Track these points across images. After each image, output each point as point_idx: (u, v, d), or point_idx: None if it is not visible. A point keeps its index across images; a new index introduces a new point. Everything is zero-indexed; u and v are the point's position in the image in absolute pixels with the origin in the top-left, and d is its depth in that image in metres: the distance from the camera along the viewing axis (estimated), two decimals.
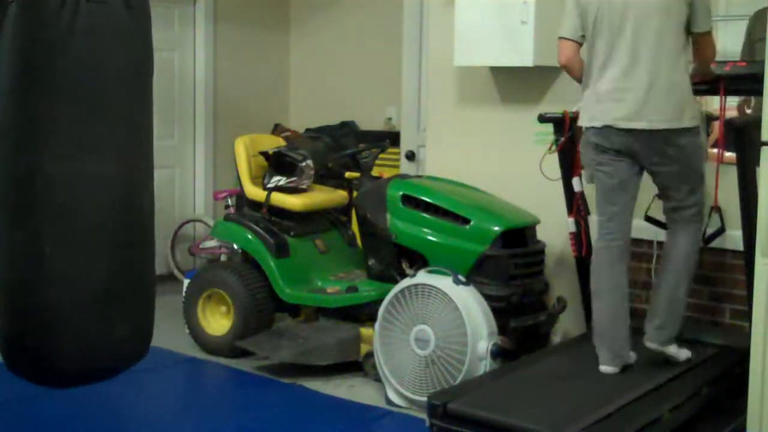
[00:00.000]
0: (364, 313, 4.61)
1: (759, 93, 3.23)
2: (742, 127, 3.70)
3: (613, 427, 3.20)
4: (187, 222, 6.63)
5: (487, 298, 4.13)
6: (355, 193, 4.95)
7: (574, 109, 3.97)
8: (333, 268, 4.99)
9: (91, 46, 2.51)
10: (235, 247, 5.33)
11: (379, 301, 4.27)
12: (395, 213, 4.54)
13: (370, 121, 6.62)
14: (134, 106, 2.66)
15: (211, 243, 6.19)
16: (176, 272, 6.44)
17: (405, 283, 4.16)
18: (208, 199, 6.69)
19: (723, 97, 3.75)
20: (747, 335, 3.25)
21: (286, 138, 6.15)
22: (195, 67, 6.68)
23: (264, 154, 5.13)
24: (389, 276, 4.61)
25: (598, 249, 3.76)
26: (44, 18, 2.45)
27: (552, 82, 4.73)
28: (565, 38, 3.78)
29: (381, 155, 5.12)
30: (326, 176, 5.79)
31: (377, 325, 4.20)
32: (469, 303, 4.02)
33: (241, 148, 5.16)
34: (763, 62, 3.19)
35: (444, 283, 4.07)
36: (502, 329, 4.13)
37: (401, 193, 4.54)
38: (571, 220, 4.29)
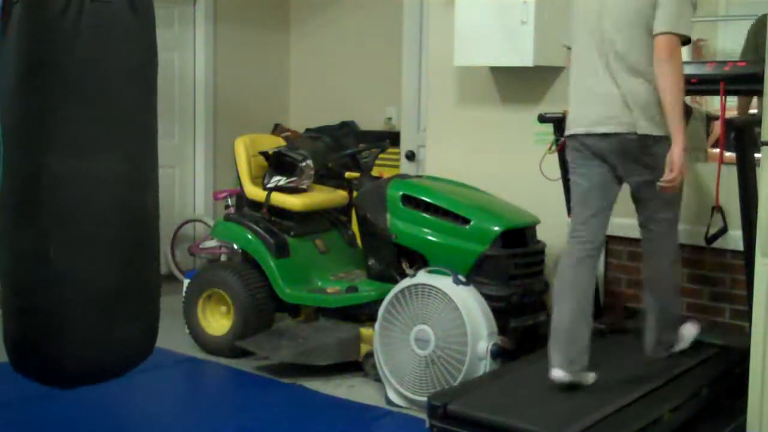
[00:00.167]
0: (364, 313, 4.61)
1: (759, 93, 3.23)
2: (742, 127, 3.69)
3: (613, 428, 3.20)
4: (187, 222, 6.63)
5: (487, 298, 4.13)
6: (355, 193, 4.95)
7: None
8: (333, 268, 4.99)
9: (96, 46, 2.51)
10: (235, 247, 5.33)
11: (379, 301, 4.27)
12: (395, 213, 4.54)
13: (370, 121, 6.62)
14: (139, 105, 2.67)
15: (211, 243, 6.20)
16: (176, 272, 6.44)
17: (405, 283, 4.16)
18: (208, 199, 6.70)
19: (723, 97, 3.74)
20: (747, 335, 3.25)
21: (286, 138, 6.15)
22: (195, 67, 6.68)
23: (264, 154, 5.12)
24: (389, 276, 4.61)
25: (568, 251, 3.67)
26: (49, 18, 2.45)
27: (552, 82, 4.73)
28: (564, 45, 3.80)
29: (381, 155, 5.12)
30: (326, 176, 5.80)
31: (377, 325, 4.20)
32: (469, 303, 4.02)
33: (241, 148, 5.16)
34: (763, 62, 3.19)
35: (444, 283, 4.07)
36: (502, 329, 4.13)
37: (401, 193, 4.54)
38: (570, 220, 4.29)
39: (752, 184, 3.58)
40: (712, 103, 4.38)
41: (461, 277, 4.12)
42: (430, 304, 4.04)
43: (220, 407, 4.25)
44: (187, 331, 5.05)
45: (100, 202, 2.56)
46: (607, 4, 3.50)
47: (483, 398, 3.41)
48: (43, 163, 2.49)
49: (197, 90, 6.71)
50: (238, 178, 5.19)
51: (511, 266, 4.28)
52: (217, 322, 4.97)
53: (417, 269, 4.30)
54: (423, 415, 3.63)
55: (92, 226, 2.55)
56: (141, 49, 2.66)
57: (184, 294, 5.09)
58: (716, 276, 4.31)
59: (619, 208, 3.79)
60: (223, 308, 4.95)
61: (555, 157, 4.19)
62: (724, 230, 3.97)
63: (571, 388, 3.49)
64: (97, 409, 3.98)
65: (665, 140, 3.43)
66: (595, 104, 3.53)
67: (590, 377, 3.54)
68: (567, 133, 3.67)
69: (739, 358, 3.62)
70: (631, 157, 3.52)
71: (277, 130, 6.86)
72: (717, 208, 3.90)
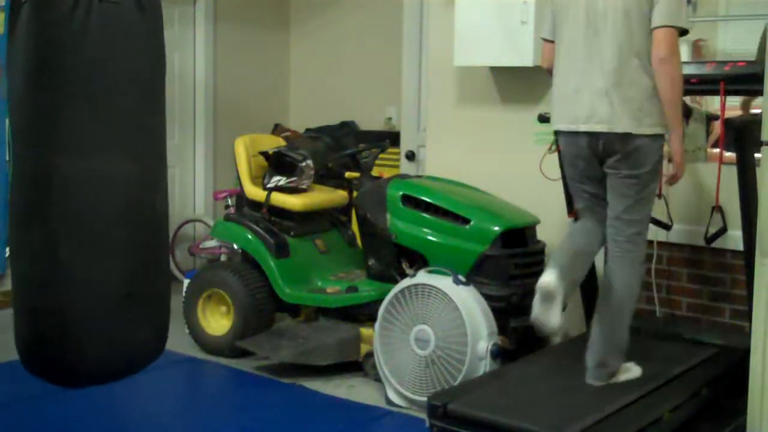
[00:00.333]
0: (364, 313, 4.61)
1: (759, 93, 3.23)
2: (742, 127, 3.69)
3: (613, 428, 3.20)
4: (187, 222, 6.63)
5: (487, 298, 4.13)
6: (355, 193, 4.95)
7: None
8: (333, 268, 4.99)
9: (104, 46, 2.52)
10: (235, 247, 5.33)
11: (379, 301, 4.27)
12: (395, 213, 4.54)
13: (370, 121, 6.62)
14: (147, 106, 2.67)
15: (211, 243, 6.20)
16: (176, 272, 6.43)
17: (405, 283, 4.16)
18: (208, 199, 6.70)
19: (723, 97, 3.74)
20: (747, 335, 3.25)
21: (286, 138, 6.15)
22: (195, 67, 6.69)
23: (264, 154, 5.13)
24: (389, 276, 4.61)
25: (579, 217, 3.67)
26: (57, 18, 2.45)
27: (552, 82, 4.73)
28: (543, 38, 3.75)
29: (381, 155, 5.12)
30: (326, 176, 5.80)
31: (377, 325, 4.20)
32: (469, 303, 4.02)
33: (241, 148, 5.16)
34: (763, 62, 3.19)
35: (444, 283, 4.07)
36: (502, 329, 4.13)
37: (401, 193, 4.54)
38: (571, 220, 4.29)
39: (752, 184, 3.58)
40: (712, 103, 4.38)
41: (461, 277, 4.12)
42: (430, 304, 4.04)
43: (220, 407, 4.25)
44: (187, 331, 5.05)
45: (110, 203, 2.56)
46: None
47: (483, 398, 3.41)
48: (52, 163, 2.49)
49: (197, 90, 6.71)
50: (238, 178, 5.19)
51: (511, 266, 4.28)
52: (217, 322, 4.97)
53: (417, 269, 4.30)
54: (423, 415, 3.63)
55: (102, 227, 2.55)
56: (149, 49, 2.66)
57: (184, 294, 5.09)
58: (716, 276, 4.31)
59: None
60: (223, 308, 4.95)
61: (555, 157, 4.18)
62: (723, 230, 3.97)
63: (571, 387, 3.48)
64: (98, 409, 3.98)
65: (648, 138, 3.39)
66: (580, 101, 3.48)
67: (635, 370, 3.59)
68: (554, 128, 3.65)
69: (739, 358, 3.62)
70: (611, 154, 3.46)
71: (277, 130, 6.86)
72: (717, 208, 3.90)
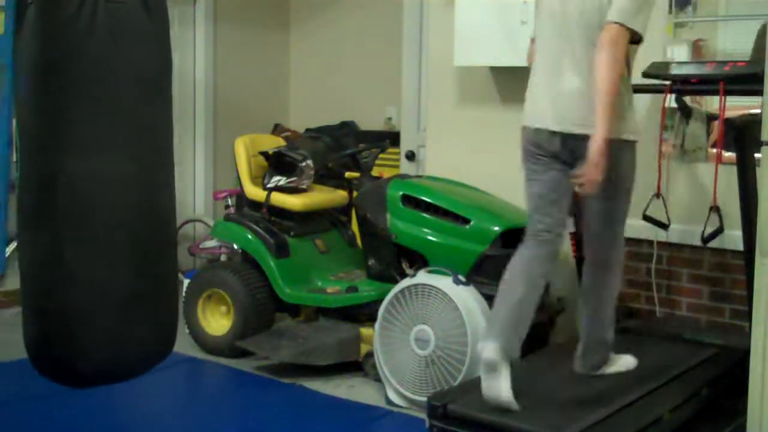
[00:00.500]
0: (364, 313, 4.61)
1: (759, 93, 3.23)
2: (742, 127, 3.69)
3: (613, 428, 3.20)
4: (187, 222, 6.63)
5: (487, 298, 4.12)
6: (355, 193, 4.96)
7: None
8: (333, 268, 4.99)
9: (110, 46, 2.51)
10: (235, 247, 5.33)
11: (379, 301, 4.27)
12: (395, 213, 4.54)
13: (370, 121, 6.62)
14: (153, 106, 2.67)
15: (211, 243, 6.20)
16: None
17: (405, 283, 4.16)
18: (208, 199, 6.70)
19: (723, 97, 3.74)
20: (747, 335, 3.25)
21: (286, 138, 6.15)
22: (195, 67, 6.68)
23: (264, 154, 5.13)
24: (389, 276, 4.61)
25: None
26: (63, 19, 2.45)
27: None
28: (531, 38, 3.70)
29: (381, 155, 5.12)
30: (326, 176, 5.80)
31: (377, 325, 4.20)
32: (469, 303, 4.02)
33: (241, 148, 5.16)
34: (761, 61, 3.19)
35: (444, 283, 4.07)
36: None
37: (401, 193, 4.54)
38: (571, 220, 4.29)
39: (752, 184, 3.58)
40: (712, 103, 4.38)
41: (461, 277, 4.12)
42: (430, 304, 4.04)
43: (220, 407, 4.25)
44: (187, 331, 5.05)
45: (116, 204, 2.56)
46: (569, 2, 3.40)
47: (483, 398, 3.41)
48: (58, 163, 2.48)
49: (197, 90, 6.71)
50: (238, 178, 5.19)
51: None
52: (217, 322, 4.97)
53: (417, 269, 4.30)
54: (423, 415, 3.63)
55: (108, 227, 2.55)
56: (155, 50, 2.66)
57: (184, 294, 5.09)
58: (716, 276, 4.31)
59: None
60: (223, 308, 4.95)
61: None
62: (720, 230, 3.97)
63: (571, 387, 3.49)
64: (98, 409, 3.98)
65: (620, 143, 3.31)
66: (552, 102, 3.42)
67: (630, 361, 3.58)
68: (522, 124, 3.56)
69: (739, 358, 3.62)
70: (581, 156, 3.33)
71: (277, 130, 6.86)
72: (714, 208, 3.90)
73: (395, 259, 4.63)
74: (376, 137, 5.85)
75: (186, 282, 5.15)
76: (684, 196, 4.30)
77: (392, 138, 5.81)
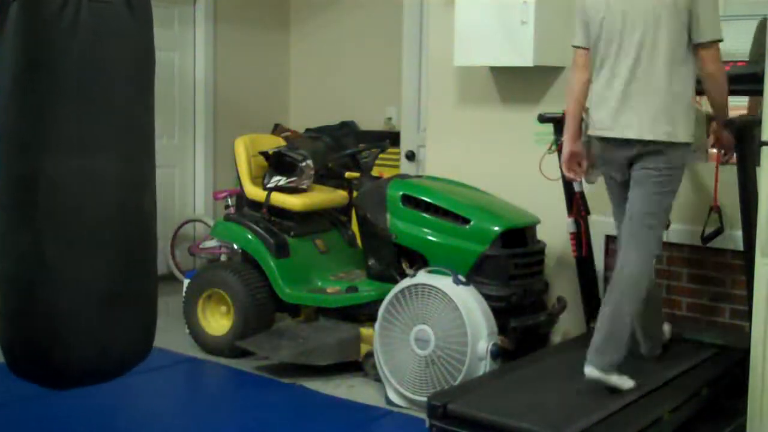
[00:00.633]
0: (364, 313, 4.61)
1: (759, 93, 3.23)
2: (742, 127, 3.69)
3: (613, 428, 3.20)
4: (187, 222, 6.63)
5: (487, 298, 4.13)
6: (355, 193, 4.95)
7: None
8: (333, 268, 4.99)
9: (93, 45, 2.51)
10: (235, 247, 5.33)
11: (379, 301, 4.27)
12: (395, 213, 4.54)
13: (370, 121, 6.62)
14: (136, 105, 2.66)
15: (211, 243, 6.20)
16: (176, 272, 6.44)
17: (405, 283, 4.16)
18: (208, 199, 6.70)
19: None
20: (747, 335, 3.25)
21: (286, 138, 6.15)
22: (195, 67, 6.68)
23: (264, 154, 5.12)
24: (389, 276, 4.61)
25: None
26: (46, 17, 2.45)
27: (552, 82, 4.74)
28: (575, 46, 3.73)
29: (381, 155, 5.12)
30: (326, 176, 5.80)
31: (377, 325, 4.20)
32: (469, 303, 4.02)
33: (241, 148, 5.16)
34: (763, 62, 3.19)
35: (444, 283, 4.07)
36: (502, 329, 4.13)
37: (401, 193, 4.54)
38: (570, 220, 4.30)
39: (752, 184, 3.58)
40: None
41: (461, 277, 4.12)
42: (430, 304, 4.04)
43: (220, 407, 4.25)
44: (187, 331, 5.05)
45: (98, 203, 2.55)
46: (630, 7, 3.47)
47: (483, 398, 3.41)
48: (39, 163, 2.48)
49: (197, 90, 6.71)
50: (238, 178, 5.19)
51: (511, 266, 4.28)
52: (217, 322, 4.97)
53: (417, 269, 4.30)
54: (423, 415, 3.63)
55: (90, 227, 2.54)
56: (138, 49, 2.65)
57: (184, 294, 5.09)
58: (716, 276, 4.31)
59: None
60: (223, 308, 4.95)
61: (555, 157, 4.19)
62: (720, 230, 3.97)
63: (571, 387, 3.49)
64: (97, 409, 3.98)
65: (672, 147, 3.43)
66: (608, 107, 3.52)
67: (628, 383, 3.50)
68: (589, 132, 3.67)
69: (739, 358, 3.62)
70: (634, 159, 3.51)
71: (277, 130, 6.86)
72: (715, 208, 3.90)
73: (395, 259, 4.63)
74: (376, 137, 5.85)
75: (186, 282, 5.15)
76: (684, 196, 4.29)
77: (392, 138, 5.81)
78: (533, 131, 4.60)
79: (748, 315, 3.48)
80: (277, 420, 4.02)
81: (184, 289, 5.11)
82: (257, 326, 4.77)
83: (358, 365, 4.51)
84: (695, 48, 3.43)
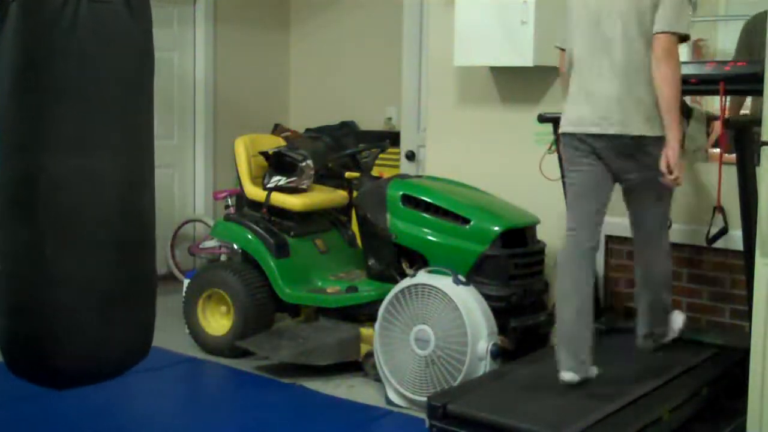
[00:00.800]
0: (364, 313, 4.61)
1: (759, 93, 3.23)
2: (742, 127, 3.69)
3: (613, 428, 3.20)
4: (187, 222, 6.63)
5: (487, 298, 4.13)
6: (355, 193, 4.95)
7: None
8: (333, 268, 4.99)
9: (93, 45, 2.51)
10: (235, 247, 5.33)
11: (379, 301, 4.27)
12: (395, 213, 4.54)
13: (370, 121, 6.62)
14: (135, 104, 2.66)
15: (211, 243, 6.20)
16: (176, 272, 6.44)
17: (405, 283, 4.16)
18: (208, 199, 6.70)
19: (723, 97, 3.74)
20: (747, 335, 3.25)
21: (286, 138, 6.15)
22: (195, 67, 6.68)
23: (264, 154, 5.12)
24: (389, 276, 4.61)
25: (565, 252, 3.69)
26: (45, 17, 2.45)
27: (552, 82, 4.73)
28: (558, 47, 3.82)
29: (381, 155, 5.12)
30: (326, 176, 5.79)
31: (377, 325, 4.20)
32: (469, 303, 4.02)
33: (241, 148, 5.16)
34: (763, 62, 3.19)
35: (444, 283, 4.07)
36: (502, 329, 4.13)
37: (401, 193, 4.54)
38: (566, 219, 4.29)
39: (752, 184, 3.58)
40: (713, 103, 4.38)
41: (461, 277, 4.12)
42: (430, 304, 4.04)
43: (220, 407, 4.25)
44: (187, 331, 5.05)
45: (97, 203, 2.56)
46: (606, 4, 3.51)
47: (483, 398, 3.41)
48: (39, 163, 2.48)
49: (197, 90, 6.71)
50: (238, 178, 5.19)
51: (511, 266, 4.28)
52: (217, 322, 4.97)
53: (417, 269, 4.30)
54: (423, 415, 3.63)
55: (88, 226, 2.54)
56: (138, 49, 2.66)
57: (184, 294, 5.09)
58: (716, 276, 4.31)
59: (618, 208, 3.79)
60: (223, 308, 4.95)
61: (555, 157, 4.19)
62: (724, 230, 3.96)
63: (571, 387, 3.49)
64: (97, 409, 3.98)
65: (662, 140, 3.45)
66: (592, 104, 3.54)
67: (594, 371, 3.57)
68: (561, 130, 3.68)
69: (739, 358, 3.62)
70: (626, 157, 3.54)
71: (277, 130, 6.86)
72: (718, 208, 3.90)
73: (395, 259, 4.63)
74: (376, 137, 5.85)
75: (186, 282, 5.15)
76: (684, 197, 4.29)
77: (392, 138, 5.81)
78: (533, 131, 4.60)
79: (748, 315, 3.48)
80: (277, 420, 4.02)
81: (184, 289, 5.11)
82: (257, 326, 4.77)
83: (358, 365, 4.51)
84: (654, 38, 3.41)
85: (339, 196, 5.31)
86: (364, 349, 4.46)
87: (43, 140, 2.48)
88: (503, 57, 4.69)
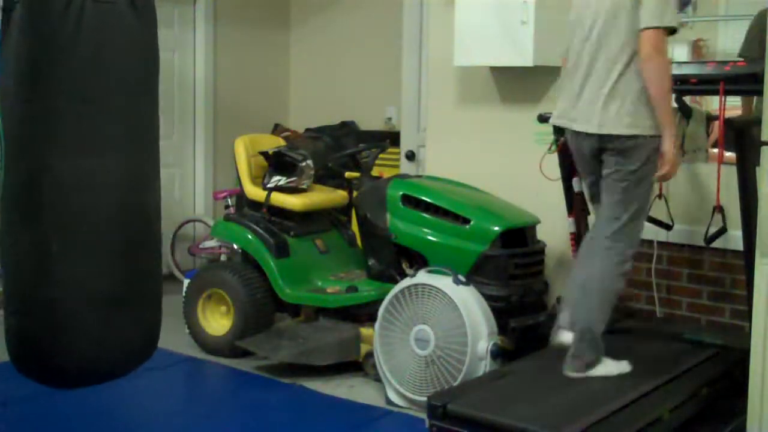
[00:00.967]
0: (364, 313, 4.61)
1: (759, 93, 3.23)
2: (742, 127, 3.69)
3: (613, 428, 3.20)
4: (187, 222, 6.63)
5: (487, 298, 4.13)
6: (355, 193, 4.95)
7: None
8: (333, 268, 4.99)
9: (97, 46, 2.51)
10: (235, 247, 5.33)
11: (379, 301, 4.27)
12: (395, 213, 4.54)
13: (370, 121, 6.62)
14: (140, 105, 2.67)
15: (211, 243, 6.20)
16: (176, 272, 6.43)
17: (405, 283, 4.16)
18: (208, 199, 6.70)
19: (723, 97, 3.74)
20: (747, 335, 3.25)
21: (286, 138, 6.15)
22: (195, 67, 6.68)
23: (264, 154, 5.12)
24: (389, 276, 4.61)
25: (585, 240, 3.75)
26: (50, 18, 2.45)
27: (552, 82, 4.73)
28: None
29: (381, 155, 5.12)
30: (326, 176, 5.80)
31: (377, 325, 4.20)
32: (469, 303, 4.02)
33: (241, 148, 5.16)
34: (763, 62, 3.19)
35: (444, 283, 4.07)
36: (502, 329, 4.13)
37: (401, 193, 4.54)
38: (571, 220, 4.29)
39: (752, 184, 3.58)
40: (712, 103, 4.38)
41: (461, 277, 4.12)
42: (430, 304, 4.04)
43: (220, 407, 4.25)
44: (187, 331, 5.05)
45: (102, 204, 2.56)
46: (596, 3, 3.52)
47: (483, 398, 3.41)
48: (45, 164, 2.49)
49: (197, 90, 6.71)
50: (238, 178, 5.19)
51: (511, 266, 4.29)
52: (217, 322, 4.97)
53: (417, 269, 4.30)
54: (423, 416, 3.63)
55: (94, 227, 2.55)
56: (142, 50, 2.66)
57: (184, 294, 5.09)
58: (716, 276, 4.31)
59: None
60: (223, 308, 4.95)
61: (555, 157, 4.19)
62: (723, 230, 3.97)
63: (571, 387, 3.48)
64: (98, 409, 3.98)
65: (640, 139, 3.43)
66: (572, 102, 3.58)
67: (623, 366, 3.57)
68: (550, 122, 3.79)
69: (739, 358, 3.62)
70: (599, 155, 3.55)
71: (277, 130, 6.86)
72: (718, 209, 3.90)
73: (395, 259, 4.63)
74: (376, 137, 5.85)
75: (186, 282, 5.15)
76: (683, 197, 4.30)
77: (392, 138, 5.81)
78: (533, 131, 4.60)
79: (748, 315, 3.48)
80: (277, 420, 4.02)
81: (184, 289, 5.11)
82: (257, 326, 4.77)
83: (358, 365, 4.51)
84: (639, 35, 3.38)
85: (339, 196, 5.31)
86: (364, 349, 4.46)
87: (48, 141, 2.49)
88: (503, 57, 4.69)
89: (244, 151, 5.15)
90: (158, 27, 2.78)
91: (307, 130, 6.77)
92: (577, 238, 4.29)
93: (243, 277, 4.84)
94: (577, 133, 3.59)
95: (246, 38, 6.87)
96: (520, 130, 4.81)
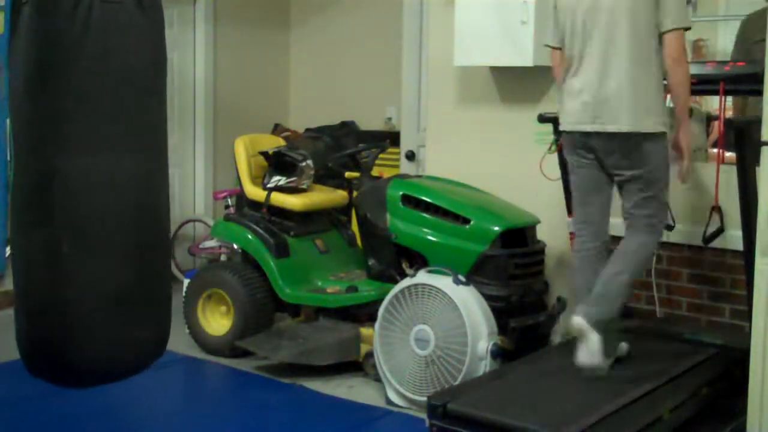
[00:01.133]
0: (364, 313, 4.61)
1: (759, 93, 3.23)
2: (742, 127, 3.69)
3: (613, 428, 3.20)
4: (187, 222, 6.63)
5: (487, 298, 4.13)
6: (355, 193, 4.96)
7: None
8: (333, 268, 4.99)
9: (105, 45, 2.51)
10: (235, 247, 5.34)
11: (379, 301, 4.27)
12: (395, 213, 4.54)
13: (370, 121, 6.62)
14: (149, 104, 2.67)
15: (211, 243, 6.20)
16: (176, 272, 6.43)
17: (405, 283, 4.16)
18: (208, 199, 6.70)
19: (723, 96, 3.74)
20: (747, 335, 3.25)
21: (286, 138, 6.15)
22: (195, 67, 6.69)
23: (264, 154, 5.13)
24: (389, 276, 4.61)
25: (576, 251, 3.74)
26: (58, 18, 2.45)
27: (552, 82, 4.72)
28: (548, 46, 3.82)
29: (381, 155, 5.12)
30: (326, 176, 5.80)
31: (377, 325, 4.20)
32: (469, 303, 4.02)
33: (241, 148, 5.16)
34: (763, 62, 3.19)
35: (444, 283, 4.07)
36: (502, 329, 4.13)
37: (401, 193, 4.54)
38: (570, 220, 4.29)
39: (752, 184, 3.58)
40: (712, 103, 4.38)
41: (461, 277, 4.12)
42: (430, 304, 4.04)
43: (220, 407, 4.25)
44: (187, 331, 5.05)
45: (112, 203, 2.56)
46: (601, 1, 3.50)
47: (483, 398, 3.41)
48: (54, 163, 2.48)
49: (197, 90, 6.71)
50: (238, 178, 5.19)
51: (511, 266, 4.29)
52: (217, 322, 4.97)
53: (417, 269, 4.30)
54: (423, 415, 3.63)
55: (104, 227, 2.55)
56: (150, 49, 2.66)
57: (184, 294, 5.09)
58: (716, 276, 4.31)
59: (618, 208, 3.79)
60: (223, 308, 4.95)
61: (555, 157, 4.19)
62: (720, 230, 3.97)
63: (571, 387, 3.49)
64: (98, 409, 3.98)
65: (654, 137, 3.46)
66: (578, 102, 3.57)
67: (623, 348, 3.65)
68: (561, 128, 3.71)
69: (739, 358, 3.61)
70: (618, 154, 3.54)
71: (277, 130, 6.86)
72: (716, 208, 3.90)
73: (395, 259, 4.63)
74: (376, 137, 5.85)
75: (186, 282, 5.15)
76: (684, 197, 4.29)
77: (392, 138, 5.81)
78: (533, 131, 4.60)
79: (748, 315, 3.48)
80: (277, 420, 4.02)
81: (184, 289, 5.11)
82: (257, 326, 4.78)
83: (358, 365, 4.51)
84: (661, 37, 3.44)
85: (339, 196, 5.31)
86: (364, 349, 4.46)
87: (58, 141, 2.49)
88: (503, 57, 4.69)
89: (244, 151, 5.15)
90: None
91: (307, 130, 6.77)
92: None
93: (243, 277, 4.84)
94: (599, 134, 3.54)
95: (246, 38, 6.87)
96: (520, 130, 4.81)
